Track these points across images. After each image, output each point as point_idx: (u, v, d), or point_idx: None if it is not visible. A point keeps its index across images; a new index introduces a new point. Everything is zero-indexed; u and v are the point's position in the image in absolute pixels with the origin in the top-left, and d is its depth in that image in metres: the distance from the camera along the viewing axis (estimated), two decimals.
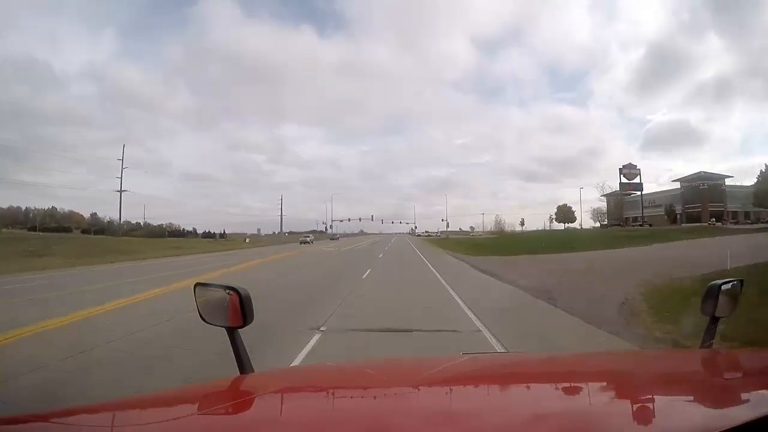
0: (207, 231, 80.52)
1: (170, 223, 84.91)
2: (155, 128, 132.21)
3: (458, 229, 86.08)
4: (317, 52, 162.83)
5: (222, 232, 78.52)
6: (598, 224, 77.77)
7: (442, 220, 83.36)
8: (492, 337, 5.19)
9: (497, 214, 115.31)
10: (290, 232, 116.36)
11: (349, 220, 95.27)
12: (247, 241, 49.90)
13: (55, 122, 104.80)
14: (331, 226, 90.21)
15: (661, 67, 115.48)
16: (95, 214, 76.76)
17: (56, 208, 74.88)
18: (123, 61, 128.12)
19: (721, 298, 1.29)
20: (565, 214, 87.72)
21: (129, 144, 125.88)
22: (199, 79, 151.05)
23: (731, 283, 1.33)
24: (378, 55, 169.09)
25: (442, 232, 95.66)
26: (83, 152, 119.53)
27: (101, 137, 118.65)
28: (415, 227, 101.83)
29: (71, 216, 75.03)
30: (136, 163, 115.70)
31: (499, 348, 4.75)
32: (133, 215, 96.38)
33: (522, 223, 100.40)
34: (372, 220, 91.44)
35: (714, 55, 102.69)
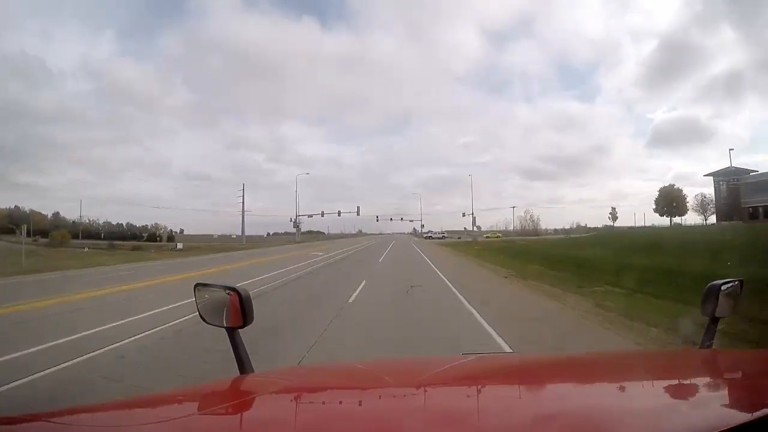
0: (155, 232, 61.71)
1: (156, 223, 74.79)
2: (152, 127, 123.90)
3: (462, 229, 62.45)
4: (319, 45, 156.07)
5: (170, 232, 60.17)
6: (704, 218, 50.89)
7: (464, 215, 58.02)
8: None
9: (527, 209, 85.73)
10: (286, 233, 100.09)
11: (321, 214, 62.57)
12: (179, 247, 32.04)
13: (50, 121, 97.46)
14: (297, 225, 62.75)
15: (671, 61, 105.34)
16: (57, 213, 68.83)
17: (19, 207, 67.88)
18: (119, 57, 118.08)
19: (722, 299, 1.28)
20: (671, 201, 53.07)
21: (126, 143, 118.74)
22: (197, 76, 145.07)
23: (731, 284, 1.32)
24: (382, 48, 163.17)
25: (448, 232, 73.72)
26: (80, 152, 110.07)
27: (97, 136, 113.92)
28: (422, 225, 76.09)
29: (32, 216, 65.25)
30: (133, 162, 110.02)
31: None
32: (128, 217, 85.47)
33: (613, 217, 68.74)
34: (357, 214, 58.50)
35: (726, 48, 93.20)
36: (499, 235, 66.54)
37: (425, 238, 69.73)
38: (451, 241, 50.58)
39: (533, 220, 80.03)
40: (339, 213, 61.15)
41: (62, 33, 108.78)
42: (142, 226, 76.38)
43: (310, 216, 63.36)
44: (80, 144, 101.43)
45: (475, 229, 59.82)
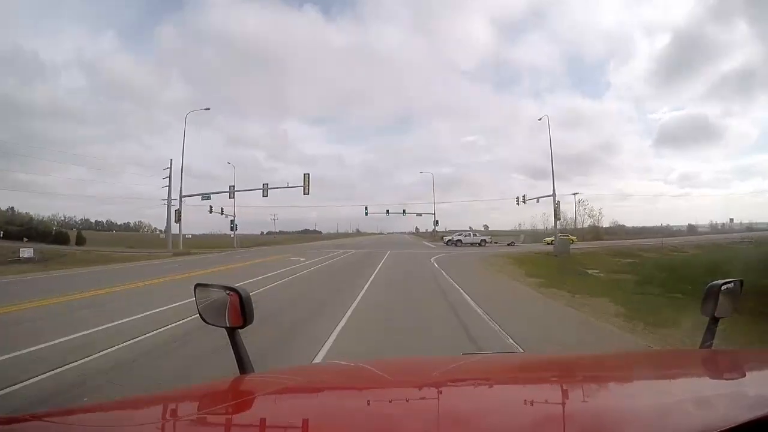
0: (63, 232, 47.72)
1: (140, 221, 73.08)
2: (149, 123, 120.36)
3: (468, 228, 44.17)
4: (322, 36, 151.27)
5: (78, 232, 48.95)
6: None
7: (520, 201, 38.27)
8: None
9: (581, 200, 52.14)
10: (281, 232, 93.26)
11: (229, 194, 38.21)
12: (25, 255, 23.47)
13: (45, 117, 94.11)
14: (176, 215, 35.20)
15: (683, 56, 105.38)
16: (12, 208, 59.50)
17: None
18: (115, 52, 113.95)
19: (722, 298, 1.28)
20: None
21: (122, 140, 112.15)
22: (195, 71, 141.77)
23: (731, 283, 1.33)
24: (387, 39, 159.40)
25: (450, 232, 45.55)
26: (75, 150, 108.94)
27: (92, 133, 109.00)
28: (435, 222, 50.67)
29: None
30: (129, 159, 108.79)
31: None
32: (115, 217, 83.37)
33: None
34: (306, 192, 32.80)
35: (740, 44, 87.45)
36: (573, 239, 38.85)
37: (448, 243, 40.20)
38: (518, 254, 24.94)
39: (592, 216, 52.08)
40: (265, 189, 35.20)
41: (58, 28, 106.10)
42: (124, 224, 72.14)
43: (206, 197, 36.86)
44: (76, 141, 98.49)
45: (480, 228, 44.00)
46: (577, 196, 51.25)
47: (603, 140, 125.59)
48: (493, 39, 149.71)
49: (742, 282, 1.39)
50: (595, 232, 46.15)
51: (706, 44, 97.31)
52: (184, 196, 35.38)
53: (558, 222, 32.61)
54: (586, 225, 52.21)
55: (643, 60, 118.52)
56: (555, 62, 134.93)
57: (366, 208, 48.49)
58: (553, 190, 32.17)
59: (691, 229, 57.71)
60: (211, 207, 38.70)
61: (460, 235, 41.23)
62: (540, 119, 33.41)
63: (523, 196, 38.86)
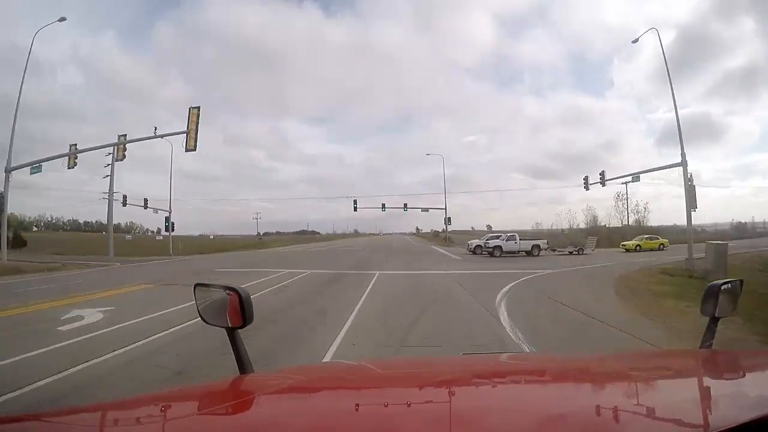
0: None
1: (131, 222, 72.04)
2: (149, 122, 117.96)
3: (470, 229, 40.36)
4: (322, 36, 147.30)
5: (15, 233, 34.46)
6: None
7: (608, 181, 26.69)
8: None
9: (619, 194, 43.13)
10: (277, 233, 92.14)
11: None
12: None
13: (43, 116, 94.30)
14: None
15: (688, 54, 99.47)
16: None
17: None
18: (114, 50, 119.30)
19: (722, 298, 1.28)
20: None
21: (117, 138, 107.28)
22: (194, 71, 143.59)
23: (731, 283, 1.33)
24: (389, 39, 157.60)
25: (456, 233, 39.36)
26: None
27: (93, 133, 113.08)
28: (447, 220, 44.16)
29: None
30: (129, 159, 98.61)
31: None
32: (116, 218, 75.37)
33: None
34: (189, 146, 22.10)
35: (744, 41, 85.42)
36: (666, 242, 29.74)
37: (475, 250, 26.92)
38: (630, 274, 12.68)
39: (638, 212, 42.02)
40: (120, 151, 25.98)
41: (57, 25, 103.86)
42: (114, 224, 72.60)
43: (36, 170, 23.13)
44: (75, 140, 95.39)
45: (482, 228, 36.24)
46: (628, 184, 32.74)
47: (604, 139, 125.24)
48: (494, 36, 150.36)
49: (741, 282, 1.39)
50: (641, 233, 34.36)
51: (710, 42, 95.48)
52: (13, 169, 22.08)
53: (601, 217, 21.09)
54: (626, 223, 41.78)
55: (646, 57, 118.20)
56: (557, 60, 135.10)
57: (355, 202, 39.93)
58: (683, 154, 17.59)
59: (740, 228, 48.04)
60: (146, 201, 32.24)
61: (497, 238, 26.81)
62: (635, 41, 21.00)
63: (601, 174, 26.82)
